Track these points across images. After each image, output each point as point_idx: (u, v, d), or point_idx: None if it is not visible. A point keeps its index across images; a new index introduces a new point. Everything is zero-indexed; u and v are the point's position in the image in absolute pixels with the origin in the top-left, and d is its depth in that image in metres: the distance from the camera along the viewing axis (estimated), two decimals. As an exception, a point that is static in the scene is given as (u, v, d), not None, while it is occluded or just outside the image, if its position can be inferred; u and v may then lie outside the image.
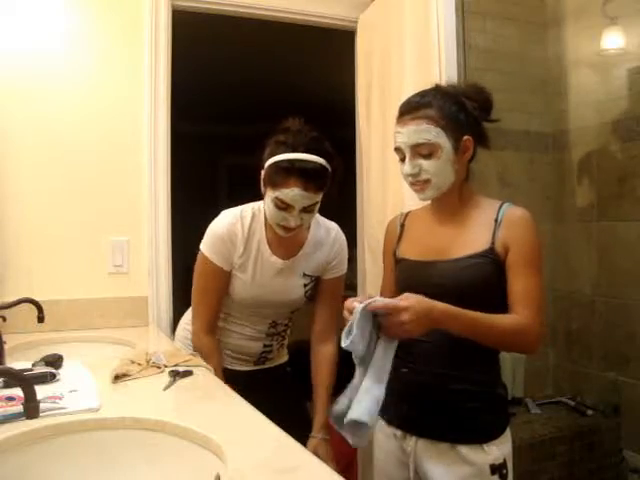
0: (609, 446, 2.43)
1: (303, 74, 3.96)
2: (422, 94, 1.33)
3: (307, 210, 1.49)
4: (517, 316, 1.22)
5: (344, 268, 1.73)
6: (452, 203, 1.34)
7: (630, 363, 2.49)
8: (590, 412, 2.49)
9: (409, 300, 1.09)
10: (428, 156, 1.26)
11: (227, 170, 5.73)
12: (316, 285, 1.71)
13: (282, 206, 1.47)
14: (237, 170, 3.52)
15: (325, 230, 1.70)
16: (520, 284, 1.23)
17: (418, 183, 1.29)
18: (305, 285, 1.68)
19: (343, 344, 1.08)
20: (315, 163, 1.45)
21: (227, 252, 1.60)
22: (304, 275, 1.67)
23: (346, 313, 1.12)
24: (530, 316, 1.21)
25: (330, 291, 1.71)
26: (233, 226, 1.61)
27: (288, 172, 1.44)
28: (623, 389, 2.52)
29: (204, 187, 5.36)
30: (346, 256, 1.73)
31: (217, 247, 1.60)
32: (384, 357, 1.10)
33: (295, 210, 1.47)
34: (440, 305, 1.14)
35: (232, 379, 1.50)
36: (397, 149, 1.31)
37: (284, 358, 1.89)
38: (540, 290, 1.25)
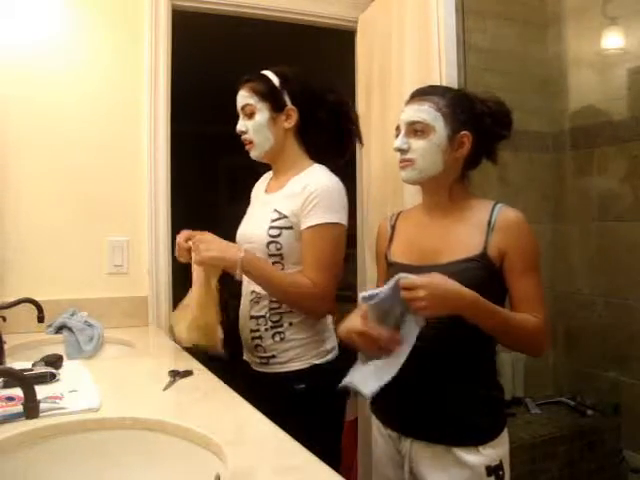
0: (609, 446, 2.43)
1: (302, 74, 3.95)
2: (437, 85, 1.36)
3: (247, 114, 1.61)
4: (532, 317, 1.23)
5: (321, 218, 1.49)
6: (442, 201, 1.34)
7: (630, 363, 2.49)
8: (590, 412, 2.49)
9: (427, 278, 1.12)
10: (420, 136, 1.28)
11: (227, 169, 5.73)
12: (295, 234, 1.54)
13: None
14: (237, 170, 3.52)
15: (314, 175, 1.58)
16: (524, 289, 1.24)
17: (404, 161, 1.30)
18: (272, 220, 1.54)
19: (364, 294, 1.15)
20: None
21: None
22: (275, 210, 1.55)
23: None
24: (541, 319, 1.23)
25: (305, 242, 1.51)
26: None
27: None
28: (623, 389, 2.52)
29: (204, 187, 5.35)
30: (326, 205, 1.49)
31: None
32: (410, 330, 1.16)
33: (240, 114, 1.63)
34: (472, 292, 1.15)
35: (243, 373, 1.51)
36: (397, 127, 1.33)
37: (295, 365, 1.53)
38: (542, 292, 1.27)
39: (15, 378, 1.08)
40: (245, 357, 1.67)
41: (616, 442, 2.45)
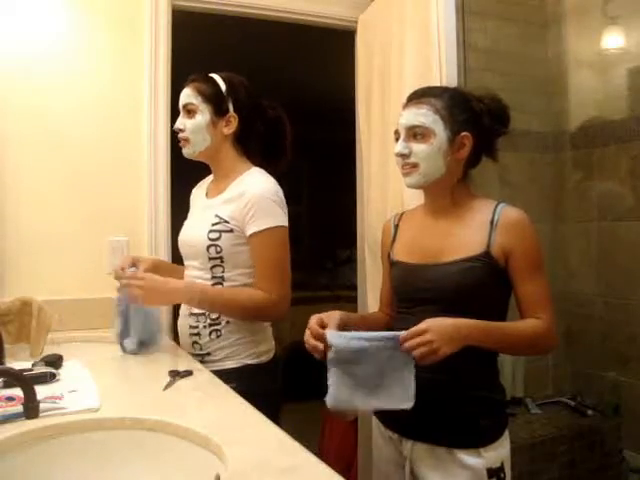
0: (609, 446, 2.43)
1: (303, 74, 3.95)
2: (433, 86, 1.35)
3: (188, 112, 1.61)
4: (537, 321, 1.23)
5: (261, 224, 1.51)
6: (445, 202, 1.34)
7: (630, 363, 2.49)
8: (590, 412, 2.49)
9: (425, 323, 1.12)
10: (421, 140, 1.27)
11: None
12: (235, 238, 1.56)
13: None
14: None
15: (250, 181, 1.59)
16: (531, 288, 1.24)
17: (406, 166, 1.29)
18: (213, 224, 1.56)
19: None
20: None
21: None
22: (215, 215, 1.57)
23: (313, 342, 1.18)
24: (548, 318, 1.23)
25: (252, 251, 1.54)
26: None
27: None
28: (623, 389, 2.52)
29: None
30: (265, 210, 1.52)
31: None
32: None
33: (181, 111, 1.63)
34: (469, 322, 1.16)
35: None
36: (396, 131, 1.32)
37: (228, 364, 1.56)
38: (549, 290, 1.27)
39: (15, 378, 1.08)
40: None
41: (616, 442, 2.45)
